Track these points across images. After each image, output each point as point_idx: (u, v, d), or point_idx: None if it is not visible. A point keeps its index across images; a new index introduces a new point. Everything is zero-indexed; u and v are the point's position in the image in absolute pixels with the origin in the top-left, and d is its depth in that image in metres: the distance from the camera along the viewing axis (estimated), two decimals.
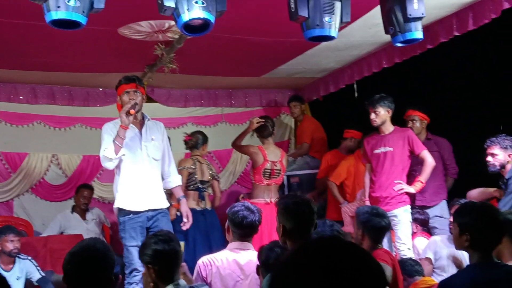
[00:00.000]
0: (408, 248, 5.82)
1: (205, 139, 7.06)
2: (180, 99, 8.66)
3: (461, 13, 5.67)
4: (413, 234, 6.19)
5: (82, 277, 2.77)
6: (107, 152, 4.81)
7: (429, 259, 5.39)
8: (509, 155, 5.48)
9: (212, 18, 3.82)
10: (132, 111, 4.82)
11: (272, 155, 6.47)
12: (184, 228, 5.23)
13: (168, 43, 6.07)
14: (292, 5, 4.10)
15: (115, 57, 6.60)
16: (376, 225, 4.44)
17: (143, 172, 5.03)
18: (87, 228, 7.53)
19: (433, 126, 6.79)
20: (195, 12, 3.74)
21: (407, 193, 6.01)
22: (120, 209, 5.00)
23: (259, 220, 4.19)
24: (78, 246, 2.90)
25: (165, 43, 6.09)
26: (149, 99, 8.18)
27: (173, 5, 3.74)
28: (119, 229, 5.02)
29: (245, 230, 4.15)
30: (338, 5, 4.10)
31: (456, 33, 5.80)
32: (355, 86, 7.98)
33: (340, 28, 4.33)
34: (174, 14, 3.81)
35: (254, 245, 4.32)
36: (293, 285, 1.09)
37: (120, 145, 4.82)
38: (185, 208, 5.23)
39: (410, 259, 5.33)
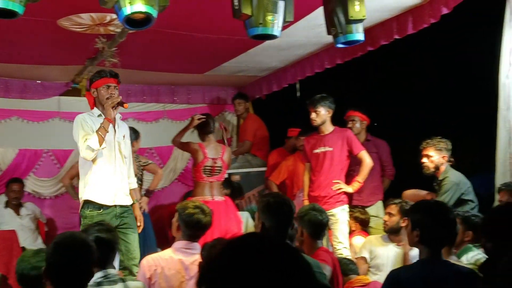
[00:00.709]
0: (345, 247, 5.91)
1: (136, 135, 6.89)
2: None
3: (402, 17, 5.79)
4: (351, 233, 6.29)
5: (66, 268, 2.74)
6: (91, 142, 4.75)
7: (364, 258, 5.48)
8: (443, 157, 5.64)
9: (154, 13, 3.78)
10: (125, 105, 4.92)
11: (213, 152, 6.45)
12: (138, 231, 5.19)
13: (110, 37, 5.97)
14: (236, 3, 4.09)
15: (55, 49, 6.44)
16: (313, 218, 4.51)
17: (115, 168, 5.00)
18: (21, 223, 7.34)
19: (373, 127, 6.91)
20: (137, 6, 3.68)
21: (345, 193, 6.10)
22: (88, 202, 4.90)
23: (211, 222, 4.19)
24: (62, 237, 2.89)
25: (107, 37, 5.98)
26: None
27: None
28: (84, 223, 4.90)
29: (197, 232, 4.15)
30: (281, 4, 4.12)
31: (397, 36, 5.92)
32: (297, 85, 8.05)
33: (283, 27, 4.35)
34: (116, 7, 3.74)
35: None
36: (217, 284, 1.08)
37: (103, 137, 4.79)
38: (138, 212, 5.21)
39: (345, 258, 5.42)
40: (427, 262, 3.11)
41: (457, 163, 5.83)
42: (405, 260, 5.17)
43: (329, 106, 6.16)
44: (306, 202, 6.01)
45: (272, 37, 4.20)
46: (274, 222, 3.49)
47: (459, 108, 6.55)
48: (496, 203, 5.03)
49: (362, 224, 6.45)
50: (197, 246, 4.13)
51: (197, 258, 4.01)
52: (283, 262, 1.10)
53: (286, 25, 4.46)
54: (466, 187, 5.53)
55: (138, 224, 5.17)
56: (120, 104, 4.90)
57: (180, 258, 4.06)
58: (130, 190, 5.21)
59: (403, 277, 3.10)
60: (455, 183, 5.50)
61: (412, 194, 5.84)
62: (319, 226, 4.60)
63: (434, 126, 6.29)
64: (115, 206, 4.96)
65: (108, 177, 4.96)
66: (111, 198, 4.95)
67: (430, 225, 3.11)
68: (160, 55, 6.82)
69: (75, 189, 7.14)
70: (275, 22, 4.09)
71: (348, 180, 6.18)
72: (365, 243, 5.71)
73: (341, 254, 5.72)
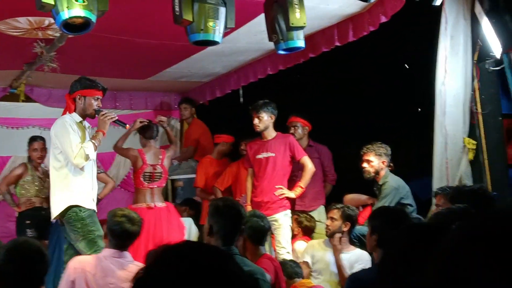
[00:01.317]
0: (288, 252, 5.95)
1: None
2: (62, 99, 8.24)
3: (342, 25, 5.89)
4: (294, 238, 6.33)
5: (19, 274, 2.66)
6: (89, 151, 4.90)
7: (306, 263, 5.53)
8: (383, 162, 5.76)
9: (93, 17, 3.73)
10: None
11: (152, 158, 6.39)
12: None
13: (49, 41, 5.85)
14: (177, 8, 4.08)
15: None
16: (254, 224, 4.53)
17: (92, 175, 5.15)
18: None
19: (315, 133, 6.99)
20: (75, 11, 3.63)
21: (288, 198, 6.15)
22: (75, 207, 4.93)
23: (139, 231, 4.12)
24: (13, 244, 2.82)
25: (46, 41, 5.86)
26: (28, 99, 7.85)
27: (52, 2, 3.61)
28: (77, 227, 4.89)
29: (124, 242, 4.07)
30: (222, 10, 4.13)
31: (337, 43, 6.01)
32: (240, 91, 8.07)
33: (225, 34, 4.37)
34: (53, 11, 3.68)
35: (133, 249, 4.26)
36: None
37: (96, 148, 4.98)
38: None
39: (291, 260, 5.45)
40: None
41: (397, 168, 5.96)
42: (338, 264, 5.24)
43: (272, 111, 6.20)
44: (249, 208, 6.02)
45: (213, 43, 4.21)
46: (222, 225, 3.49)
47: (398, 114, 6.69)
48: (433, 207, 5.17)
49: (306, 230, 6.49)
50: (127, 254, 4.06)
51: (127, 266, 3.95)
52: (217, 267, 1.09)
53: (227, 31, 4.48)
54: (405, 192, 5.66)
55: None
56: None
57: (110, 265, 3.99)
58: None
59: (365, 279, 3.16)
60: (394, 188, 5.62)
61: (353, 199, 5.94)
62: (261, 232, 4.63)
63: (374, 131, 6.41)
64: (94, 211, 5.07)
65: (90, 183, 5.10)
66: (93, 204, 5.09)
67: (388, 230, 3.19)
68: (101, 60, 6.73)
69: (12, 196, 6.96)
70: (216, 28, 4.10)
71: (291, 186, 6.23)
72: (307, 248, 5.76)
73: (284, 259, 5.76)
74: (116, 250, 4.02)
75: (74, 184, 4.97)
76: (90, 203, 5.02)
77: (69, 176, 4.97)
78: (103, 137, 5.09)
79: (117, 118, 5.16)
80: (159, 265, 1.09)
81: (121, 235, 4.00)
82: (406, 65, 6.34)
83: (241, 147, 7.26)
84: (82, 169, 4.98)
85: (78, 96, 5.09)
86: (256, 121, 6.19)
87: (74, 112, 5.09)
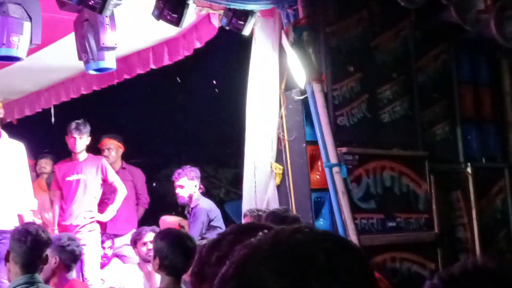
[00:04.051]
0: (96, 277, 5.77)
1: None
2: None
3: (157, 48, 5.91)
4: (104, 262, 6.16)
5: None
6: None
7: None
8: (195, 186, 5.83)
9: None
10: None
11: None
12: None
13: None
14: None
15: None
16: (69, 249, 4.35)
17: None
18: None
19: (128, 155, 6.90)
20: None
21: (99, 222, 5.98)
22: None
23: None
24: None
25: None
26: None
27: None
28: None
29: None
30: (27, 25, 3.94)
31: (153, 66, 6.02)
32: (52, 110, 7.73)
33: (34, 50, 4.18)
34: None
35: None
36: None
37: None
38: None
39: None
40: None
41: (215, 191, 6.07)
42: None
43: (86, 133, 6.03)
44: (57, 232, 5.76)
45: (16, 59, 4.00)
46: (19, 252, 3.35)
47: (212, 139, 6.84)
48: None
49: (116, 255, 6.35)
50: None
51: None
52: None
53: (35, 47, 4.29)
54: (215, 214, 5.77)
55: None
56: None
57: None
58: None
59: None
60: (206, 210, 5.71)
61: (163, 221, 5.94)
62: (75, 257, 4.45)
63: (187, 155, 6.49)
64: None
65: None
66: None
67: (167, 254, 3.18)
68: None
69: None
70: (20, 44, 3.90)
71: (102, 209, 6.07)
72: (118, 273, 5.64)
73: (92, 284, 5.57)
74: None
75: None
76: None
77: None
78: None
79: None
80: None
81: None
82: (216, 89, 6.51)
83: (39, 166, 6.93)
84: None
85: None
86: (77, 141, 5.96)
87: None
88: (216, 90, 6.68)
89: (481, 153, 6.56)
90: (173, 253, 3.20)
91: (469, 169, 6.22)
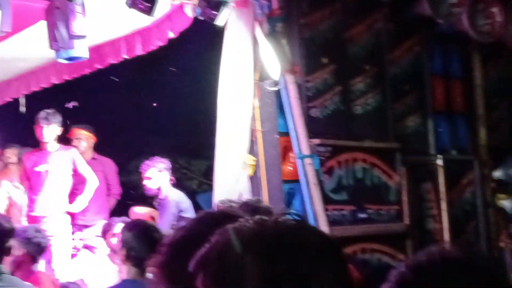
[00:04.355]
0: (66, 268, 5.72)
1: None
2: None
3: (130, 37, 5.85)
4: (74, 254, 6.11)
5: None
6: None
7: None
8: (164, 177, 5.80)
9: None
10: None
11: None
12: None
13: None
14: None
15: None
16: (34, 240, 4.30)
17: None
18: None
19: (99, 146, 6.82)
20: None
21: (68, 212, 5.93)
22: None
23: None
24: None
25: None
26: None
27: None
28: None
29: None
30: None
31: (126, 56, 5.96)
32: (22, 100, 7.61)
33: (1, 38, 4.10)
34: None
35: None
36: None
37: None
38: None
39: (69, 282, 5.24)
40: (130, 282, 3.14)
41: (186, 183, 6.05)
42: None
43: (56, 122, 5.95)
44: (25, 223, 5.69)
45: None
46: None
47: (186, 130, 6.80)
48: None
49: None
50: None
51: None
52: None
53: (4, 35, 4.21)
54: (186, 205, 5.75)
55: None
56: None
57: None
58: None
59: None
60: (175, 202, 5.69)
61: (134, 212, 5.90)
62: (41, 249, 4.40)
63: (159, 146, 6.45)
64: None
65: None
66: None
67: (134, 245, 3.15)
68: None
69: None
70: None
71: (72, 199, 6.01)
72: (87, 264, 5.60)
73: (59, 276, 5.52)
74: None
75: None
76: None
77: None
78: None
79: None
80: None
81: None
82: (189, 79, 6.46)
83: (5, 156, 6.81)
84: None
85: None
86: (40, 131, 5.88)
87: None
88: (190, 80, 6.63)
89: (451, 145, 6.63)
90: (139, 245, 3.17)
91: (439, 161, 6.28)
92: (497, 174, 6.81)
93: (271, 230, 1.00)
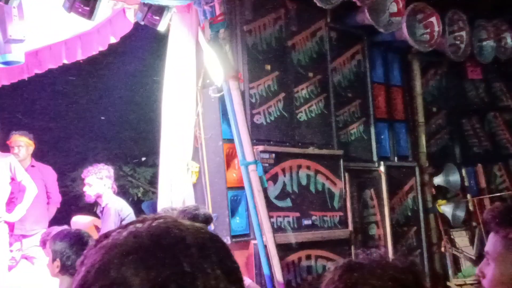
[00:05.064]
0: (4, 280, 5.54)
1: None
2: None
3: (70, 42, 5.74)
4: (12, 265, 5.94)
5: None
6: None
7: None
8: (104, 185, 5.70)
9: None
10: None
11: None
12: None
13: None
14: None
15: None
16: None
17: None
18: None
19: (40, 153, 6.66)
20: None
21: (6, 222, 5.75)
22: None
23: None
24: None
25: None
26: None
27: None
28: None
29: None
30: None
31: (66, 61, 5.83)
32: None
33: None
34: None
35: None
36: None
37: None
38: None
39: None
40: None
41: (131, 190, 5.94)
42: None
43: None
44: None
45: None
46: None
47: (130, 138, 6.71)
48: None
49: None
50: None
51: None
52: None
53: None
54: (127, 213, 5.66)
55: None
56: None
57: None
58: None
59: None
60: (116, 210, 5.59)
61: (75, 222, 5.78)
62: None
63: (104, 154, 6.34)
64: None
65: None
66: None
67: (69, 255, 3.06)
68: None
69: None
70: None
71: (10, 208, 5.83)
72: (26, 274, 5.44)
73: None
74: None
75: None
76: None
77: None
78: None
79: None
80: None
81: None
82: (132, 86, 6.39)
83: None
84: None
85: None
86: None
87: None
88: (132, 87, 6.55)
89: (393, 152, 6.74)
90: (76, 253, 3.08)
91: (382, 168, 6.37)
92: (437, 180, 6.95)
93: (145, 236, 0.95)
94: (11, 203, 5.91)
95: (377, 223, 6.30)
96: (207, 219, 4.37)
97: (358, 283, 1.47)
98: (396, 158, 6.76)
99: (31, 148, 6.54)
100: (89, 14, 4.40)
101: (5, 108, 6.64)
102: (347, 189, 5.98)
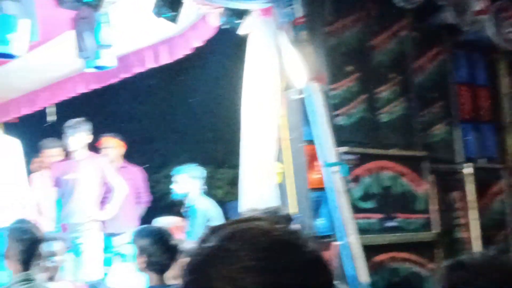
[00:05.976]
0: (97, 275, 5.77)
1: None
2: None
3: (155, 47, 5.92)
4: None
5: None
6: None
7: None
8: (194, 184, 5.83)
9: None
10: None
11: None
12: None
13: None
14: None
15: None
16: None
17: None
18: None
19: (129, 154, 6.89)
20: None
21: (99, 221, 5.98)
22: None
23: None
24: None
25: None
26: None
27: None
28: None
29: None
30: (23, 23, 3.94)
31: (151, 65, 6.02)
32: (52, 109, 7.71)
33: (30, 48, 4.19)
34: None
35: None
36: None
37: None
38: None
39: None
40: None
41: (212, 191, 6.06)
42: None
43: (85, 131, 6.04)
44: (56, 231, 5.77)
45: (11, 56, 4.01)
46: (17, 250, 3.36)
47: (211, 139, 6.83)
48: None
49: None
50: None
51: None
52: None
53: (33, 45, 4.29)
54: (214, 214, 5.76)
55: None
56: None
57: None
58: None
59: None
60: (203, 210, 5.70)
61: (162, 221, 5.92)
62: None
63: (186, 155, 6.48)
64: None
65: None
66: None
67: (154, 251, 3.17)
68: None
69: None
70: (16, 41, 3.89)
71: (102, 208, 6.07)
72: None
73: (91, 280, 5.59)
74: None
75: None
76: None
77: None
78: None
79: None
80: None
81: None
82: (214, 89, 6.50)
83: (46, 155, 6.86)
84: None
85: None
86: (69, 140, 5.97)
87: None
88: (216, 88, 6.67)
89: (479, 154, 6.55)
90: (158, 251, 3.19)
91: (468, 170, 6.21)
92: None
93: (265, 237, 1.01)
94: (103, 203, 6.13)
95: (463, 226, 6.14)
96: (287, 220, 4.41)
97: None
98: (482, 160, 6.57)
99: (122, 149, 6.77)
100: (174, 18, 4.55)
101: (97, 111, 6.91)
102: (432, 191, 5.86)
